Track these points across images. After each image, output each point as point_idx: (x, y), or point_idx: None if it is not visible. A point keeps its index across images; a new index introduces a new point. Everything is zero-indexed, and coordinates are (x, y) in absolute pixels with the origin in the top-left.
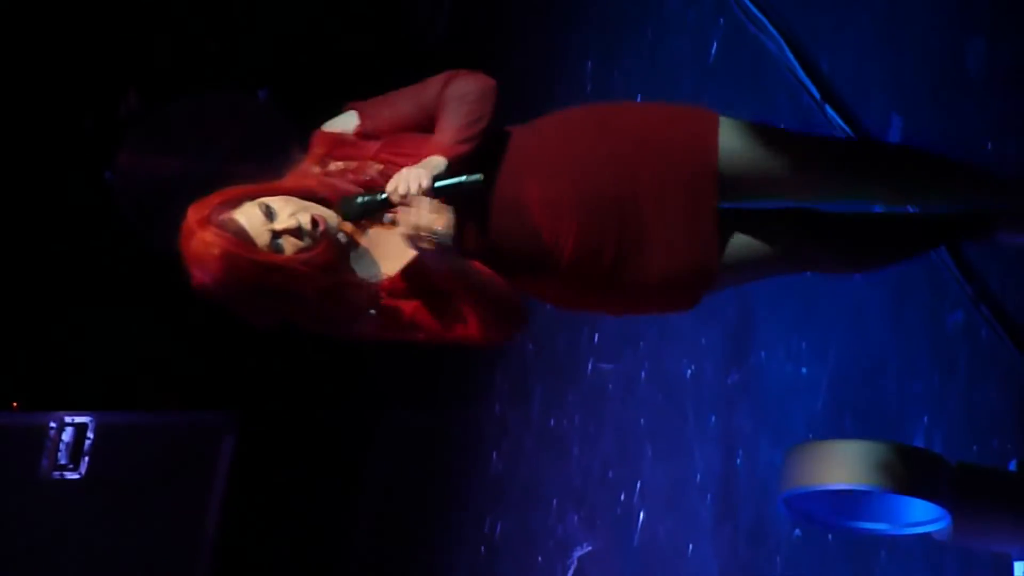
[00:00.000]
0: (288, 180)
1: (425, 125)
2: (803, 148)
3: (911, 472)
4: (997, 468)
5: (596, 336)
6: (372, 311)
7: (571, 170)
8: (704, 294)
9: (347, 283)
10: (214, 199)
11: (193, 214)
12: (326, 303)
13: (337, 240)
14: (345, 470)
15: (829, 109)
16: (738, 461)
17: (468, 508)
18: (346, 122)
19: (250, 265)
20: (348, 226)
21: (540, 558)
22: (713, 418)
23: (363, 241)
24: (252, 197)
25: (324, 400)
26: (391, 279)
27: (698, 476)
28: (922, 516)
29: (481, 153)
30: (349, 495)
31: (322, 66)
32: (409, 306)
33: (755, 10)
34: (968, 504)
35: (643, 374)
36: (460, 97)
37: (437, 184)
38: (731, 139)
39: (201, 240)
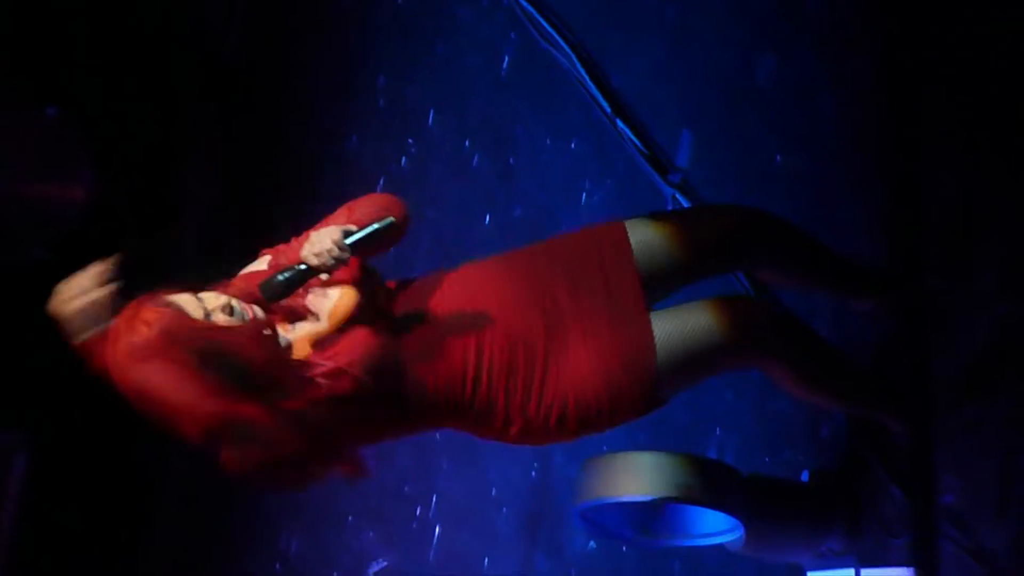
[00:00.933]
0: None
1: None
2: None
3: (704, 483)
4: (789, 479)
5: None
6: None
7: (494, 288)
8: (650, 384)
9: (278, 360)
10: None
11: (127, 312)
12: (259, 384)
13: (270, 322)
14: (141, 484)
15: (620, 123)
16: (533, 474)
17: (264, 523)
18: (259, 264)
19: (189, 331)
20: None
21: (335, 574)
22: None
23: (288, 333)
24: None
25: (119, 412)
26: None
27: (494, 490)
28: (715, 527)
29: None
30: (145, 510)
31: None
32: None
33: (546, 26)
34: (760, 515)
35: None
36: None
37: (348, 240)
38: (639, 232)
39: (138, 323)
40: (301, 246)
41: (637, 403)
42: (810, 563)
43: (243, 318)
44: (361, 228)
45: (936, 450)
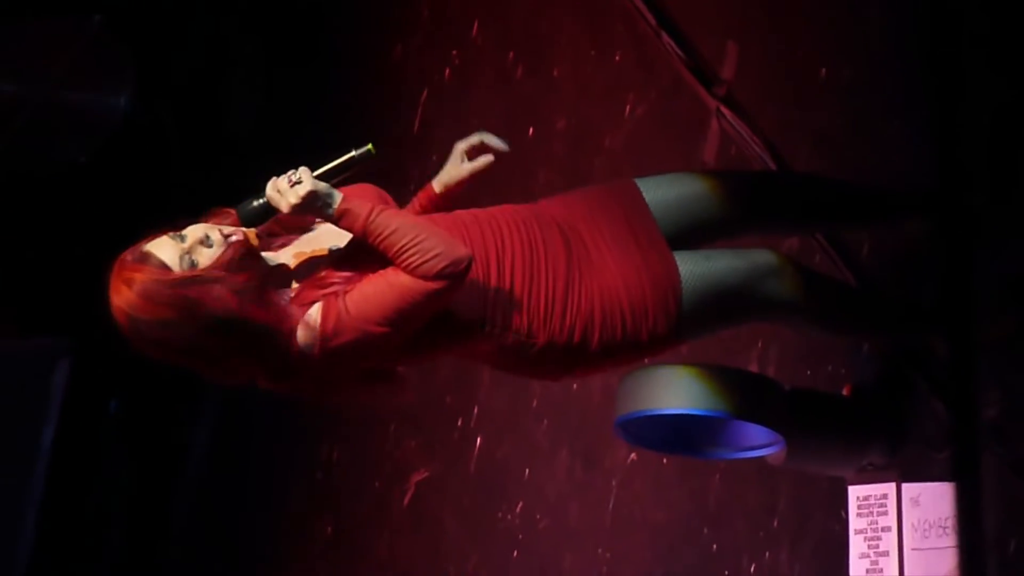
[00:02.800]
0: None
1: None
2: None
3: (745, 397)
4: (831, 393)
5: None
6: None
7: (504, 211)
8: (675, 313)
9: (266, 281)
10: (129, 248)
11: (112, 269)
12: (255, 312)
13: (247, 242)
14: (180, 395)
15: (664, 35)
16: (574, 386)
17: (305, 433)
18: None
19: (167, 288)
20: (255, 235)
21: (378, 483)
22: None
23: (273, 253)
24: (163, 233)
25: None
26: (296, 263)
27: (535, 402)
28: (756, 440)
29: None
30: (184, 421)
31: None
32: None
33: None
34: (802, 429)
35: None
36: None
37: (317, 172)
38: (653, 191)
39: (120, 283)
40: None
41: (661, 329)
42: (852, 477)
43: (222, 245)
44: (330, 162)
45: (978, 364)
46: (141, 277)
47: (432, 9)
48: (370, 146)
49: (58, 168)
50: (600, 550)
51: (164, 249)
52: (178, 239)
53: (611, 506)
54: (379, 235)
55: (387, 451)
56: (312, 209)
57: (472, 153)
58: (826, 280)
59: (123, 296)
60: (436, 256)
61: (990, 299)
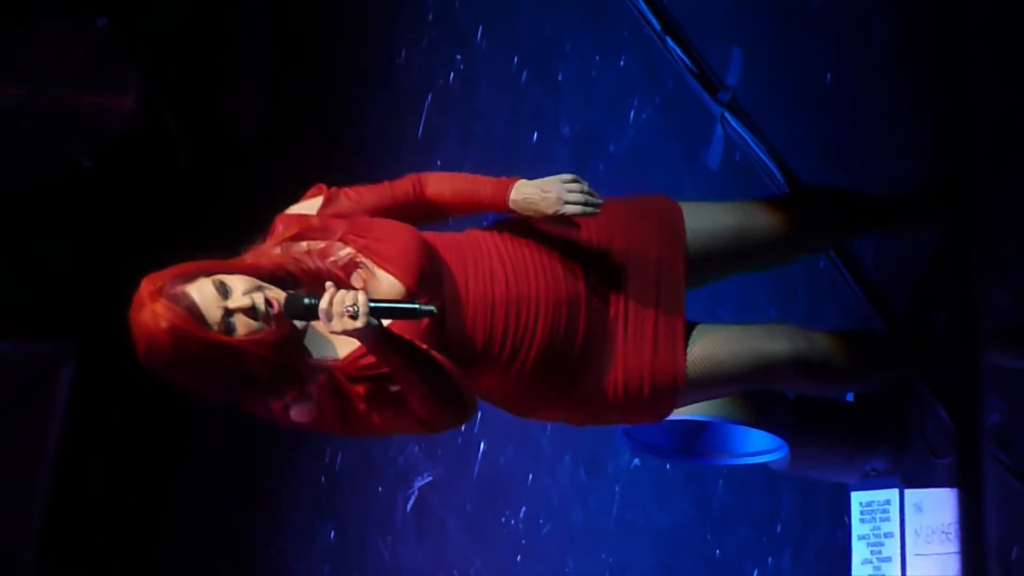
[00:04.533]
0: (247, 258)
1: (396, 216)
2: (753, 203)
3: (749, 403)
4: (834, 400)
5: None
6: (322, 395)
7: (537, 268)
8: (673, 403)
9: (299, 365)
10: (169, 272)
11: (146, 285)
12: (277, 386)
13: (291, 323)
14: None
15: (670, 41)
16: None
17: (308, 438)
18: (311, 206)
19: (199, 343)
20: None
21: (380, 488)
22: None
23: (318, 325)
24: (208, 273)
25: None
26: (344, 360)
27: None
28: (760, 446)
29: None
30: (191, 420)
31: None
32: (363, 389)
33: None
34: (805, 435)
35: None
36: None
37: (373, 304)
38: (695, 219)
39: (151, 312)
40: (349, 229)
41: (646, 416)
42: (855, 483)
43: (267, 321)
44: (391, 301)
45: (981, 371)
46: (174, 320)
47: (436, 12)
48: (433, 308)
49: (64, 172)
50: (603, 555)
51: (205, 298)
52: (221, 291)
53: (614, 511)
54: (406, 377)
55: (390, 456)
56: (355, 337)
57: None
58: (844, 358)
59: (150, 328)
60: (444, 413)
61: (994, 309)
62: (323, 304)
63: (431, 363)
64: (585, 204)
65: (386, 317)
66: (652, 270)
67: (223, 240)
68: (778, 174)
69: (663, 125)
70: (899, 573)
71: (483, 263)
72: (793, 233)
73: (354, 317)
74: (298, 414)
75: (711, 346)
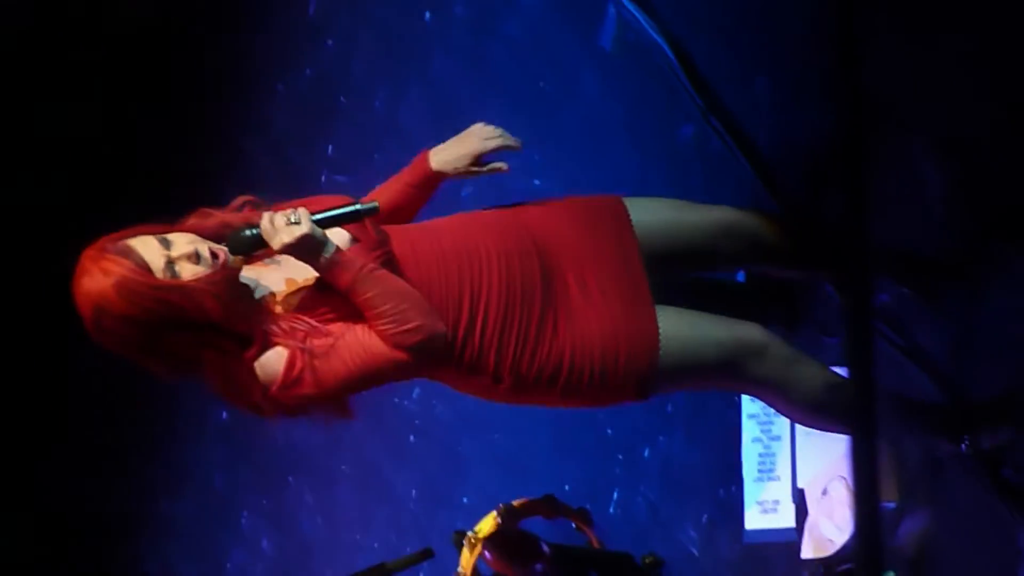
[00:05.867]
0: (187, 223)
1: None
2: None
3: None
4: (724, 279)
5: (331, 147)
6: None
7: (481, 224)
8: (651, 371)
9: (251, 304)
10: (110, 235)
11: (87, 251)
12: (234, 330)
13: (234, 270)
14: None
15: None
16: None
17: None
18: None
19: (147, 289)
20: (240, 260)
21: None
22: None
23: (258, 272)
24: (147, 233)
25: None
26: (286, 293)
27: None
28: None
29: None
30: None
31: None
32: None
33: None
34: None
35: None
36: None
37: (315, 217)
38: (638, 210)
39: (96, 270)
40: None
41: (628, 388)
42: None
43: (210, 265)
44: (331, 209)
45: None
46: (120, 271)
47: None
48: (376, 203)
49: None
50: (497, 435)
51: (148, 250)
52: (164, 244)
53: None
54: (362, 294)
55: None
56: (302, 252)
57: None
58: (812, 367)
59: (96, 284)
60: (413, 329)
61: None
62: (264, 223)
63: (385, 278)
64: (502, 136)
65: (329, 226)
66: (609, 250)
67: None
68: (671, 55)
69: (558, 5)
70: (789, 451)
71: (427, 228)
72: (730, 255)
73: (298, 223)
74: (279, 390)
75: (682, 317)
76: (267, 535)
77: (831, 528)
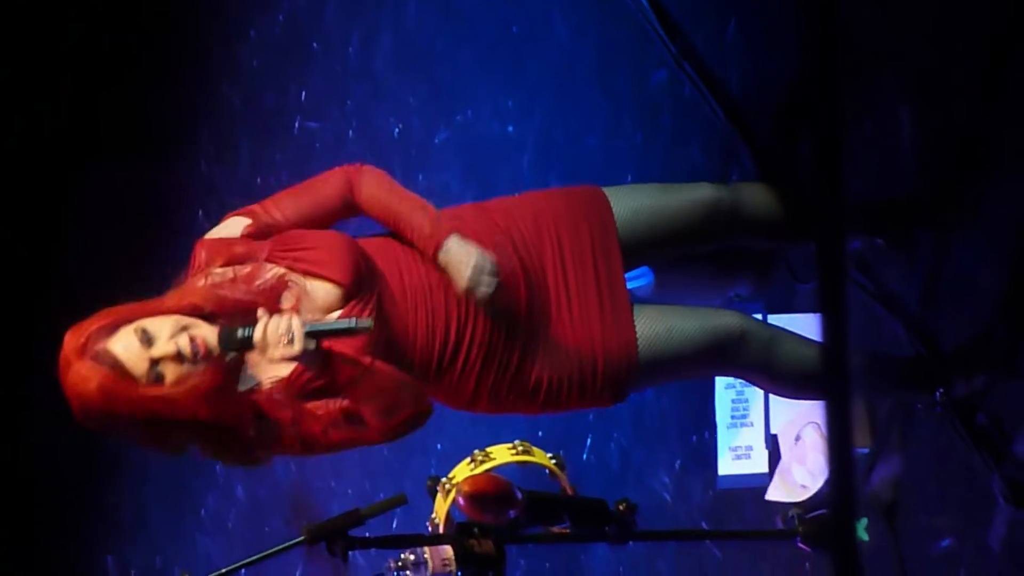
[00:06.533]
0: (170, 298)
1: (323, 223)
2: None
3: None
4: None
5: (303, 93)
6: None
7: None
8: (628, 380)
9: (242, 399)
10: (90, 324)
11: (69, 342)
12: (225, 426)
13: (221, 360)
14: (44, 224)
15: None
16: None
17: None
18: (230, 228)
19: (129, 400)
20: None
21: None
22: (421, 176)
23: (254, 355)
24: (129, 320)
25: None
26: (290, 376)
27: None
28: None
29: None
30: (50, 254)
31: None
32: (314, 407)
33: None
34: (669, 262)
35: (351, 133)
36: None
37: (310, 329)
38: (620, 201)
39: (77, 373)
40: (274, 246)
41: (604, 398)
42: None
43: (195, 363)
44: (327, 323)
45: (843, 198)
46: (101, 380)
47: None
48: (370, 322)
49: None
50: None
51: (129, 350)
52: (145, 340)
53: None
54: (348, 390)
55: None
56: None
57: None
58: (792, 345)
59: (80, 390)
60: (403, 421)
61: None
62: (257, 335)
63: (378, 378)
64: (485, 297)
65: (323, 338)
66: (589, 254)
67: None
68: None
69: None
70: (762, 398)
71: (412, 253)
72: (713, 236)
73: (291, 342)
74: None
75: (658, 319)
76: (241, 482)
77: (803, 474)
